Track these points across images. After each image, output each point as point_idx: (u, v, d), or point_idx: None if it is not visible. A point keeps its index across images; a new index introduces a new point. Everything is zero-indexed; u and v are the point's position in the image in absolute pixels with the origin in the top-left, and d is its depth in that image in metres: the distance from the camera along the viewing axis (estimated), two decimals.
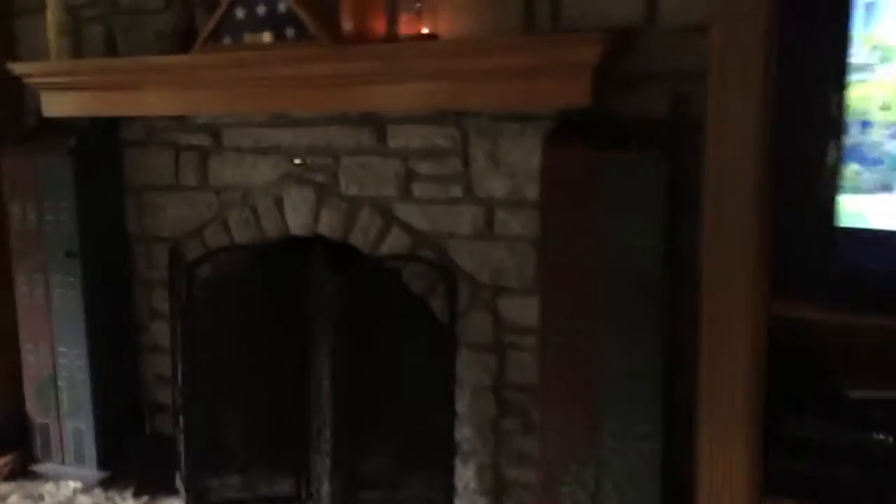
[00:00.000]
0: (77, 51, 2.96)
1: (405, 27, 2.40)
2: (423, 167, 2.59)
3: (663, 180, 2.04)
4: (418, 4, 2.40)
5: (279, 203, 2.84)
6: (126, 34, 2.99)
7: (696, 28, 2.19)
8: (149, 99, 2.78)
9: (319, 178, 2.75)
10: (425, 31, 2.39)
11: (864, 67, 1.81)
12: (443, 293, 2.58)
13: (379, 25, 2.45)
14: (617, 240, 2.10)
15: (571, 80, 2.15)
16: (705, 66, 2.13)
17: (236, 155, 2.89)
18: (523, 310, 2.51)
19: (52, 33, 2.88)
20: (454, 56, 2.29)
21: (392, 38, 2.49)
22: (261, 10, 2.59)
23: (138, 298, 3.15)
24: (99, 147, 3.01)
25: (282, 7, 2.55)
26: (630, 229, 2.08)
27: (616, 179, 2.08)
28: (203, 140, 2.94)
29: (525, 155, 2.44)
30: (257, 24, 2.59)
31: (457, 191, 2.55)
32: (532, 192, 2.44)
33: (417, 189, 2.61)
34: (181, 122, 2.96)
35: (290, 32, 2.55)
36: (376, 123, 2.64)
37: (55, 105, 2.89)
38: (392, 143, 2.63)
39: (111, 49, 3.03)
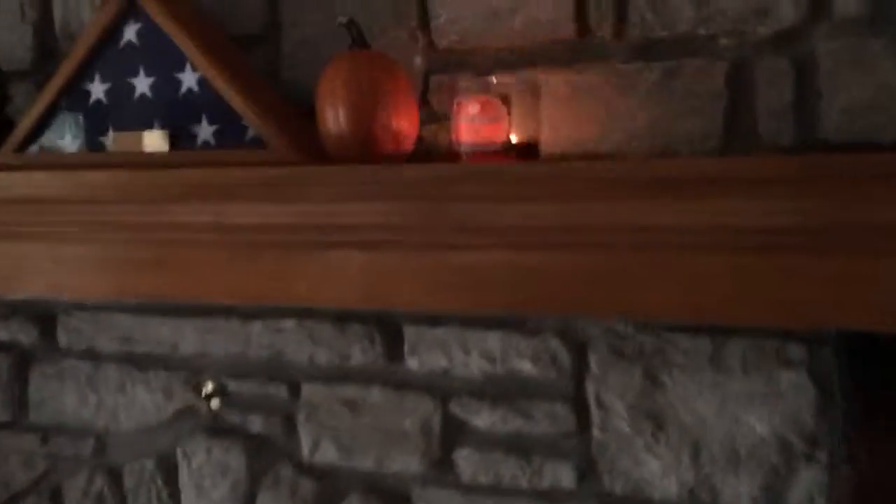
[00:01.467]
0: None
1: (467, 132, 1.07)
2: (484, 417, 1.23)
3: None
4: (491, 80, 1.09)
5: (169, 470, 1.41)
6: None
7: None
8: None
9: (255, 425, 1.35)
10: (511, 139, 1.07)
11: None
12: None
13: (405, 126, 1.12)
14: None
15: None
16: None
17: (86, 366, 1.46)
18: None
19: None
20: (599, 191, 0.97)
21: (426, 153, 1.18)
22: (142, 85, 1.24)
23: None
24: None
25: (189, 80, 1.21)
26: None
27: None
28: (21, 333, 1.50)
29: (720, 407, 1.12)
30: (136, 113, 1.24)
31: (563, 474, 1.19)
32: (738, 490, 1.11)
33: (467, 463, 1.24)
34: None
35: (203, 133, 1.20)
36: (381, 322, 1.28)
37: None
38: (414, 364, 1.27)
39: None
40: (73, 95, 1.27)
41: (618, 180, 0.98)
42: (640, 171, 0.98)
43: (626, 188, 0.98)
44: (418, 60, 1.23)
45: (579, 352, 1.18)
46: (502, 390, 1.22)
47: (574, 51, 1.15)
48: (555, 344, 1.19)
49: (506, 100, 1.06)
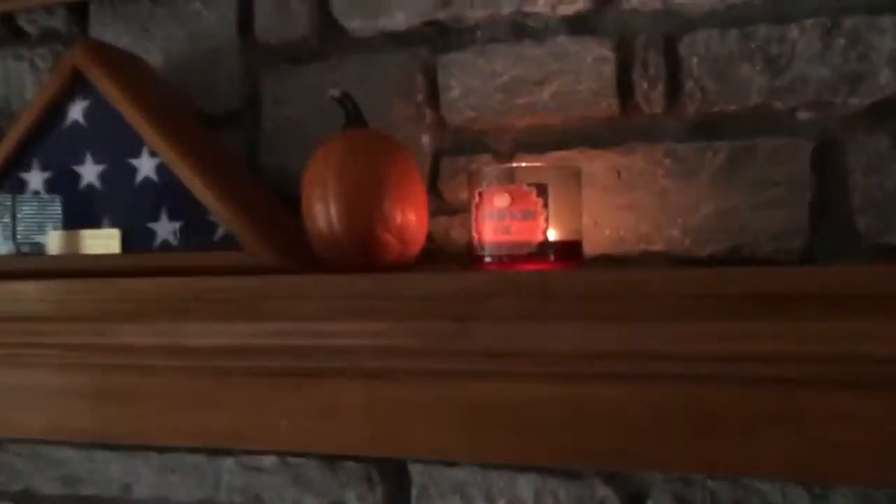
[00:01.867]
0: None
1: (492, 230, 0.85)
2: None
3: None
4: (520, 164, 0.88)
5: None
6: None
7: None
8: None
9: None
10: (550, 235, 0.85)
11: None
12: None
13: (412, 222, 0.90)
14: None
15: None
16: None
17: None
18: None
19: None
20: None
21: (438, 253, 0.96)
22: (89, 173, 1.02)
23: None
24: None
25: (145, 167, 0.99)
26: None
27: None
28: None
29: None
30: (81, 208, 1.02)
31: None
32: None
33: None
34: None
35: (162, 231, 0.98)
36: (381, 460, 1.03)
37: None
38: None
39: None
40: (5, 187, 1.05)
41: (697, 295, 0.75)
42: (727, 284, 0.75)
43: (707, 306, 0.76)
44: (426, 141, 1.02)
45: (635, 501, 0.94)
46: None
47: (617, 129, 0.94)
48: (603, 492, 0.94)
49: (542, 189, 0.84)
